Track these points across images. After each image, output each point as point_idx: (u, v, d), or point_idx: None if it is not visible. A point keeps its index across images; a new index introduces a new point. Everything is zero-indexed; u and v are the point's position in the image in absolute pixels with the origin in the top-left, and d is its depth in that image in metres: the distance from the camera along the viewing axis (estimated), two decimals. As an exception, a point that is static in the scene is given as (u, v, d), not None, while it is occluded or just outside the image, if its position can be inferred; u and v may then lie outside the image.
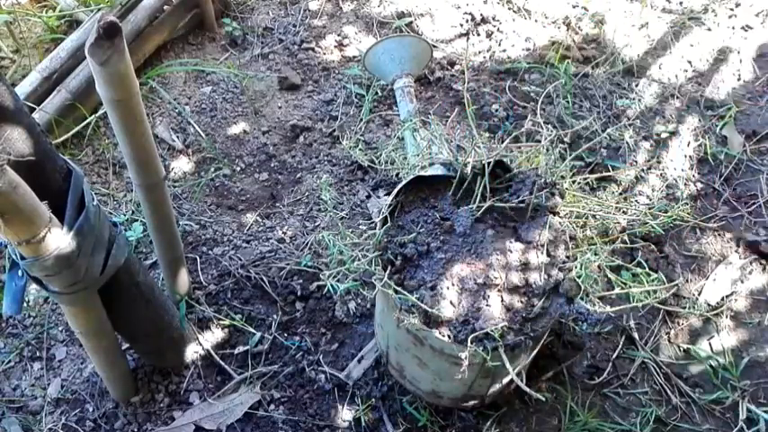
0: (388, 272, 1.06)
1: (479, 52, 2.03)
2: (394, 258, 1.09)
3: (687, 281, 1.56)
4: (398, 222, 1.15)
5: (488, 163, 1.14)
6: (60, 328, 1.45)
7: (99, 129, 1.77)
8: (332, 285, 1.07)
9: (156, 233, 1.26)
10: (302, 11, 2.12)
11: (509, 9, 2.15)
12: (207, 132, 1.80)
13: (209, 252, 1.57)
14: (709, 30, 2.10)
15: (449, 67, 1.97)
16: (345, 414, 1.35)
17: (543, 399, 1.00)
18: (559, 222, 1.14)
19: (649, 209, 1.26)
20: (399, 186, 1.14)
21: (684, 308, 1.46)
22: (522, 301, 1.05)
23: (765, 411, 1.36)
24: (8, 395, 1.36)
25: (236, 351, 1.42)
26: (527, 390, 0.96)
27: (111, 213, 1.62)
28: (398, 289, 1.03)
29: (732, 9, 2.17)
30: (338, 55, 2.02)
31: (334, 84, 1.93)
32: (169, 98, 1.83)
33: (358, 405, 1.36)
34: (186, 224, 1.61)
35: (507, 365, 0.97)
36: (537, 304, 1.05)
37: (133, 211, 1.62)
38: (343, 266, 1.07)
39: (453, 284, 1.08)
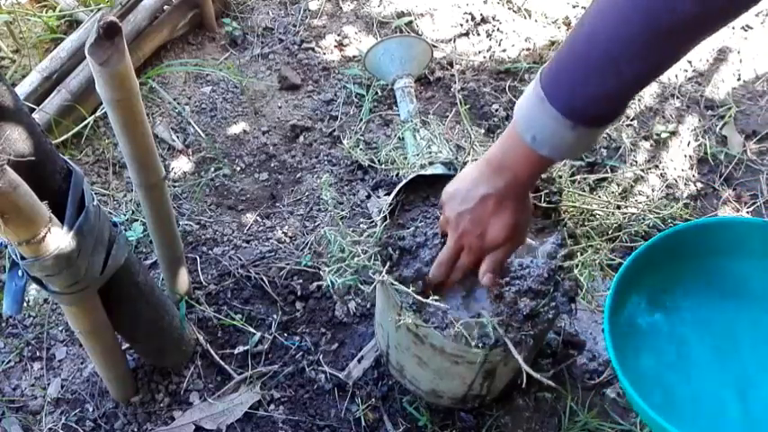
0: (386, 267, 1.05)
1: (479, 52, 2.03)
2: (392, 252, 1.09)
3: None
4: (399, 221, 1.15)
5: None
6: (60, 328, 1.45)
7: (99, 129, 1.77)
8: (331, 280, 1.07)
9: (156, 233, 1.26)
10: (302, 11, 2.12)
11: (509, 9, 2.15)
12: (207, 132, 1.80)
13: (209, 252, 1.57)
14: (709, 30, 2.10)
15: (449, 67, 1.97)
16: (345, 414, 1.35)
17: (550, 383, 0.99)
18: (559, 221, 1.14)
19: (648, 209, 1.26)
20: (400, 186, 1.15)
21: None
22: (521, 300, 1.05)
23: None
24: (8, 395, 1.36)
25: (236, 351, 1.42)
26: (535, 375, 0.95)
27: (111, 213, 1.62)
28: (395, 283, 1.04)
29: (732, 9, 2.17)
30: (338, 55, 2.02)
31: (334, 84, 1.93)
32: (169, 98, 1.83)
33: (358, 405, 1.36)
34: (186, 224, 1.61)
35: (514, 352, 0.97)
36: (537, 303, 1.05)
37: (133, 211, 1.62)
38: (342, 263, 1.08)
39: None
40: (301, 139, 1.81)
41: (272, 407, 1.36)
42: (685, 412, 0.88)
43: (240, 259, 1.55)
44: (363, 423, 1.34)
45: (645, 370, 0.92)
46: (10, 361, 1.40)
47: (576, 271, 1.06)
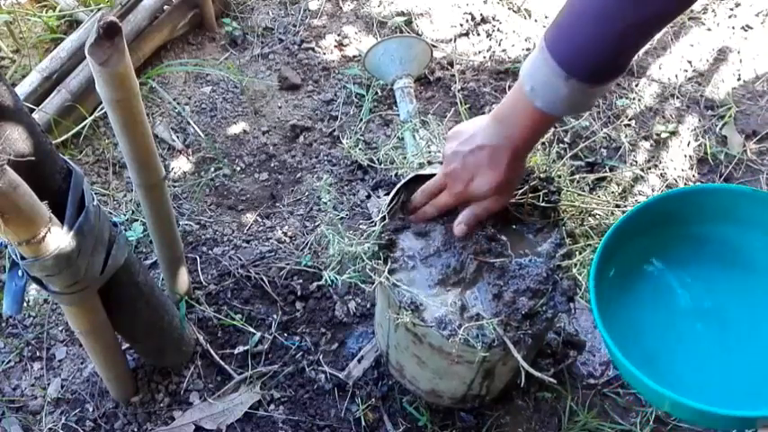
0: (387, 266, 1.06)
1: (479, 52, 2.03)
2: (389, 246, 1.09)
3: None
4: (398, 217, 1.15)
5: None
6: (60, 328, 1.45)
7: (99, 129, 1.77)
8: (330, 278, 1.07)
9: (156, 233, 1.26)
10: (302, 11, 2.12)
11: (509, 9, 2.15)
12: (207, 132, 1.80)
13: (209, 252, 1.57)
14: (709, 30, 2.11)
15: (449, 67, 1.97)
16: (345, 414, 1.36)
17: (551, 380, 1.00)
18: (558, 220, 1.14)
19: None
20: (399, 185, 1.15)
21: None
22: (520, 299, 1.05)
23: (765, 411, 1.36)
24: (8, 395, 1.36)
25: (236, 351, 1.42)
26: (535, 373, 0.96)
27: (111, 213, 1.62)
28: (397, 282, 1.04)
29: (732, 9, 2.17)
30: (338, 55, 2.02)
31: (334, 84, 1.94)
32: (169, 98, 1.83)
33: (358, 405, 1.36)
34: (186, 224, 1.61)
35: (513, 351, 0.97)
36: (535, 302, 1.05)
37: (133, 211, 1.62)
38: (342, 254, 1.08)
39: (450, 279, 1.09)
40: (301, 139, 1.82)
41: (272, 407, 1.36)
42: (666, 373, 0.89)
43: (240, 259, 1.55)
44: (363, 423, 1.34)
45: (627, 330, 0.93)
46: (10, 361, 1.40)
47: (574, 270, 1.06)
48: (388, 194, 1.14)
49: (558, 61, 0.78)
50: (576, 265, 1.06)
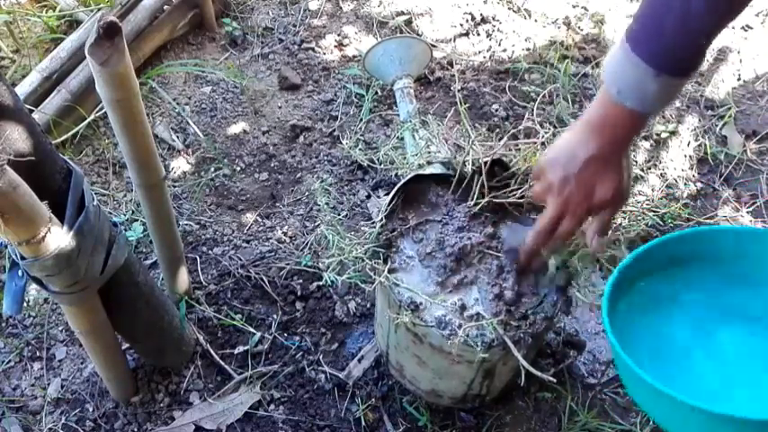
0: (387, 267, 1.06)
1: (479, 52, 2.03)
2: (388, 247, 1.09)
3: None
4: (399, 216, 1.15)
5: (485, 162, 1.14)
6: (60, 328, 1.45)
7: (99, 129, 1.77)
8: (330, 278, 1.07)
9: (156, 233, 1.26)
10: (302, 11, 2.12)
11: (509, 9, 2.15)
12: (207, 132, 1.80)
13: (209, 252, 1.57)
14: (709, 30, 2.10)
15: (449, 67, 1.97)
16: (345, 414, 1.36)
17: (551, 380, 1.00)
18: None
19: (647, 208, 1.26)
20: (398, 185, 1.15)
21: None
22: (519, 298, 1.05)
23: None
24: (8, 395, 1.36)
25: (236, 351, 1.42)
26: (535, 372, 0.96)
27: (111, 213, 1.62)
28: (397, 282, 1.04)
29: (732, 9, 2.17)
30: (338, 55, 2.02)
31: (334, 84, 1.94)
32: (169, 98, 1.83)
33: (358, 405, 1.36)
34: (186, 224, 1.61)
35: (513, 350, 0.97)
36: (535, 301, 1.05)
37: (133, 211, 1.62)
38: (341, 256, 1.08)
39: (450, 279, 1.09)
40: (301, 139, 1.82)
41: (272, 407, 1.36)
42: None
43: (240, 259, 1.55)
44: (363, 423, 1.34)
45: (645, 351, 0.92)
46: (10, 361, 1.40)
47: (572, 267, 1.06)
48: (388, 194, 1.15)
49: (646, 59, 0.80)
50: (576, 263, 1.06)
